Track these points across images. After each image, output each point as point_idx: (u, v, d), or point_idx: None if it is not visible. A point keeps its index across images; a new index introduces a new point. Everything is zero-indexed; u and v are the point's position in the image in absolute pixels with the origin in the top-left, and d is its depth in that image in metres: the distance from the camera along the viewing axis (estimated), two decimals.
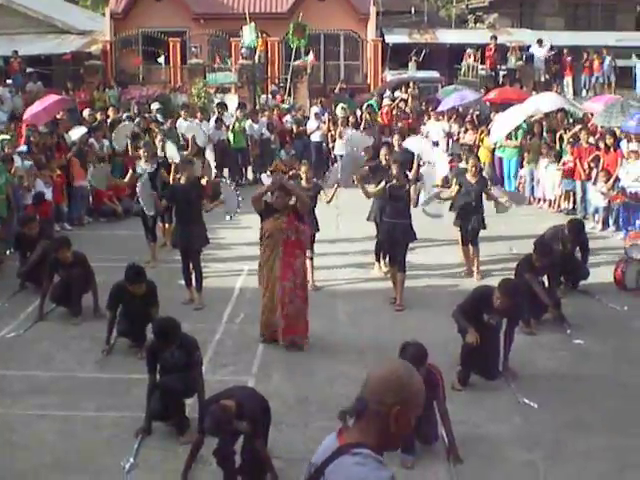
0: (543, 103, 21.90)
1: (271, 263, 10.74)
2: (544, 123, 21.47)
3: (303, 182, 13.31)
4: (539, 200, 19.81)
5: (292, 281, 10.70)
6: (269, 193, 10.93)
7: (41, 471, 7.84)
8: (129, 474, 7.79)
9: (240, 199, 13.35)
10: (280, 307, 10.67)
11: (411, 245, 12.85)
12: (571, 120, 21.99)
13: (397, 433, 3.56)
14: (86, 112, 22.72)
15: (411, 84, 29.22)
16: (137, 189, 13.88)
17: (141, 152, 15.43)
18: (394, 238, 12.53)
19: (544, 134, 20.64)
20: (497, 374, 9.60)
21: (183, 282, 12.71)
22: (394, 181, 12.43)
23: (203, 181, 14.23)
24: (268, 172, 10.66)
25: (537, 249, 11.49)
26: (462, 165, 16.08)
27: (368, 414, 3.58)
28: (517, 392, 9.36)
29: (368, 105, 25.51)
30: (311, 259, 13.01)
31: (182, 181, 12.86)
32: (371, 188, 13.11)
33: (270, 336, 10.91)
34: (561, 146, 19.77)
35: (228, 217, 13.18)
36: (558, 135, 20.41)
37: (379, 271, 13.93)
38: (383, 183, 12.55)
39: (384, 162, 13.75)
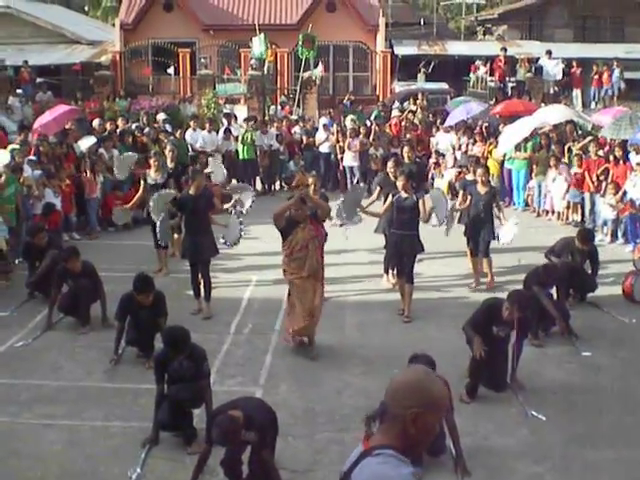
0: (551, 115, 21.90)
1: (314, 271, 10.86)
2: (552, 135, 21.48)
3: (310, 193, 13.33)
4: (547, 212, 19.79)
5: (321, 285, 11.21)
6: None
7: None
8: None
9: (242, 233, 13.35)
10: (316, 309, 10.88)
11: (419, 256, 12.85)
12: (580, 132, 21.95)
13: (419, 437, 3.67)
14: (96, 122, 22.79)
15: (420, 95, 29.24)
16: (153, 216, 13.86)
17: (151, 161, 15.46)
18: (401, 250, 12.54)
19: (552, 146, 20.62)
20: (505, 386, 9.58)
21: (192, 292, 12.72)
22: (401, 193, 12.47)
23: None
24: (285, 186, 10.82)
25: (544, 269, 11.58)
26: (469, 177, 16.00)
27: (389, 418, 3.73)
28: (525, 404, 9.34)
29: (376, 117, 25.55)
30: None
31: (191, 191, 12.86)
32: (378, 208, 13.21)
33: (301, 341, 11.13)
34: (569, 158, 19.76)
35: (223, 242, 13.14)
36: (567, 147, 20.41)
37: (388, 283, 13.92)
38: (390, 199, 12.60)
39: (391, 174, 13.75)
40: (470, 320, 9.61)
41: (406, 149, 16.42)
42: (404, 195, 12.45)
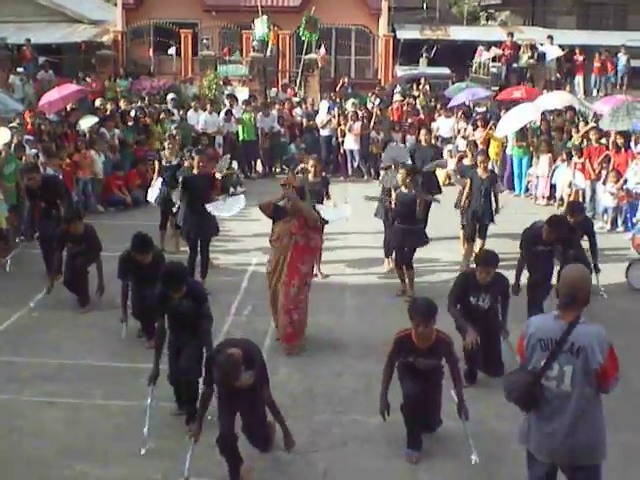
0: (553, 101, 21.90)
1: (280, 267, 10.67)
2: (552, 120, 21.52)
3: (310, 176, 13.34)
4: (548, 198, 19.77)
5: (297, 287, 10.62)
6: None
7: (49, 457, 7.92)
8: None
9: (239, 207, 13.44)
10: (284, 314, 10.59)
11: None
12: (580, 119, 21.92)
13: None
14: (98, 102, 22.79)
15: (422, 80, 29.21)
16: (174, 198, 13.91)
17: (166, 144, 15.48)
18: (403, 243, 12.64)
19: (552, 133, 20.66)
20: (501, 370, 9.61)
21: None
22: (401, 188, 12.55)
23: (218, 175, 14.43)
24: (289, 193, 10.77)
25: (550, 221, 11.50)
26: (466, 162, 15.89)
27: (579, 302, 5.91)
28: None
29: (381, 101, 25.51)
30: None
31: (195, 171, 13.00)
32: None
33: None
34: (566, 144, 19.75)
35: (211, 208, 13.13)
36: (566, 135, 20.41)
37: (388, 267, 13.95)
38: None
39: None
40: (450, 299, 9.66)
41: (423, 132, 16.42)
42: (404, 190, 12.53)
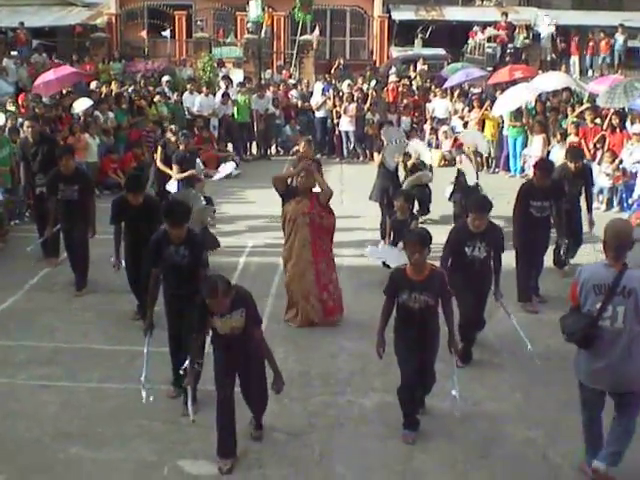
0: (550, 82, 21.84)
1: (299, 249, 10.70)
2: (549, 101, 21.51)
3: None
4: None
5: (325, 263, 10.80)
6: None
7: (44, 441, 7.90)
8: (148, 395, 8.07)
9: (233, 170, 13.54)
10: (318, 291, 10.71)
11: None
12: (576, 100, 21.90)
13: None
14: (93, 84, 22.73)
15: (421, 61, 29.19)
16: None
17: (171, 137, 15.33)
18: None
19: (547, 113, 20.64)
20: (482, 325, 9.76)
21: None
22: (397, 214, 12.57)
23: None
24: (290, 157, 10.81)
25: (539, 166, 11.52)
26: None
27: (622, 249, 6.73)
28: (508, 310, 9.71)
29: (377, 82, 25.47)
30: None
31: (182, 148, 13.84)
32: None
33: (304, 321, 10.87)
34: (561, 124, 19.72)
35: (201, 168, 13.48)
36: (562, 115, 20.38)
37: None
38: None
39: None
40: (444, 251, 9.67)
41: (444, 129, 16.14)
42: (400, 217, 12.49)
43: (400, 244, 11.90)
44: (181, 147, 14.39)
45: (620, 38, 31.73)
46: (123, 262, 10.82)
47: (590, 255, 12.41)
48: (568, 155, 12.80)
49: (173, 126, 15.80)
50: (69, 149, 12.48)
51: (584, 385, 7.11)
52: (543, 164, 11.76)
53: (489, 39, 32.25)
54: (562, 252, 12.26)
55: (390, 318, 7.99)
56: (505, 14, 32.75)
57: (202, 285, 7.21)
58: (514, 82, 22.45)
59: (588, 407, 7.20)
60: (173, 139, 15.08)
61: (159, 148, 15.42)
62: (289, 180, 11.02)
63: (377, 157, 14.58)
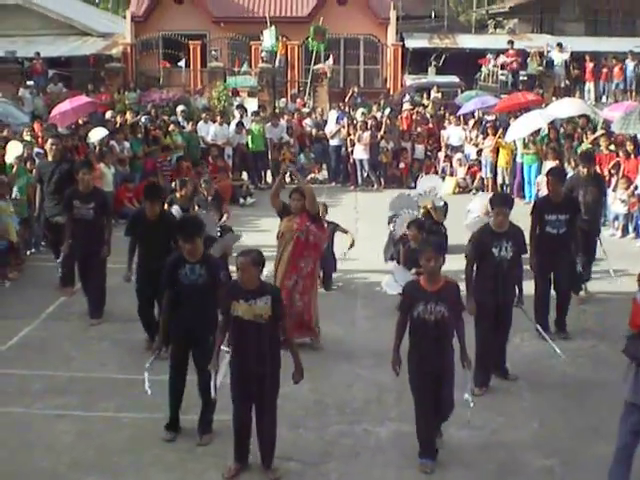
0: (564, 108, 21.88)
1: (282, 265, 10.79)
2: (563, 128, 21.54)
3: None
4: None
5: (294, 281, 10.75)
6: (290, 196, 10.98)
7: (60, 470, 7.89)
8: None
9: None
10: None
11: None
12: (590, 126, 21.90)
13: None
14: (108, 114, 22.88)
15: (435, 88, 29.31)
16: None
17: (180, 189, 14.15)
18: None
19: (561, 140, 20.66)
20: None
21: None
22: (411, 243, 12.61)
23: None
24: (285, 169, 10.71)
25: (551, 172, 11.50)
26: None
27: None
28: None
29: (391, 110, 25.56)
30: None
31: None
32: None
33: None
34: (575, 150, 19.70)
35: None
36: (577, 141, 20.39)
37: None
38: None
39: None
40: (469, 254, 9.72)
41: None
42: (413, 245, 12.45)
43: (413, 270, 11.92)
44: (205, 194, 14.38)
45: (631, 64, 31.75)
46: (134, 277, 10.85)
47: (608, 279, 12.45)
48: (580, 160, 12.82)
49: (178, 181, 14.70)
50: (87, 163, 12.51)
51: (628, 405, 7.00)
52: (555, 171, 11.76)
53: (502, 66, 32.31)
54: (578, 269, 12.01)
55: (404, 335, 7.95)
56: (511, 42, 32.87)
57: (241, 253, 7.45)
58: (527, 109, 22.51)
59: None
60: (181, 193, 13.83)
61: (165, 205, 13.23)
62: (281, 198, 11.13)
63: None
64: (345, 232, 13.88)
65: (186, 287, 8.27)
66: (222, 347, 7.78)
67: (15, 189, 14.78)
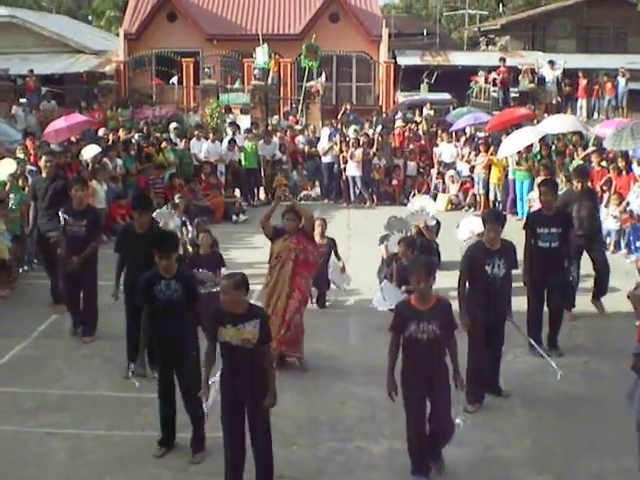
0: (556, 125, 21.96)
1: (281, 284, 10.70)
2: (554, 145, 21.62)
3: (317, 238, 13.06)
4: None
5: (297, 300, 10.74)
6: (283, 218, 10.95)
7: None
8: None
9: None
10: (281, 320, 10.62)
11: None
12: (582, 143, 21.97)
13: None
14: (101, 131, 22.89)
15: (427, 105, 29.40)
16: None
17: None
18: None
19: (554, 157, 20.72)
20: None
21: None
22: (402, 260, 12.67)
23: None
24: (282, 193, 10.70)
25: (543, 183, 11.54)
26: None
27: None
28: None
29: (383, 127, 25.63)
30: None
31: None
32: None
33: None
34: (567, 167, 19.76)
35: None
36: (568, 158, 20.46)
37: None
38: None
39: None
40: (462, 274, 9.71)
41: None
42: (405, 262, 12.46)
43: (403, 288, 11.94)
44: (201, 251, 13.33)
45: (622, 81, 31.84)
46: (121, 291, 10.75)
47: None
48: (574, 175, 12.90)
49: (170, 204, 15.13)
50: (81, 180, 12.51)
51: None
52: (548, 181, 11.82)
53: (493, 83, 32.42)
54: (571, 283, 12.03)
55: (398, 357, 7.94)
56: (503, 59, 32.99)
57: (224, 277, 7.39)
58: (519, 125, 22.58)
59: None
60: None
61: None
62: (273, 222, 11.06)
63: (382, 248, 14.53)
64: (338, 258, 13.85)
65: (162, 302, 8.34)
66: (211, 378, 7.78)
67: (9, 205, 14.78)
